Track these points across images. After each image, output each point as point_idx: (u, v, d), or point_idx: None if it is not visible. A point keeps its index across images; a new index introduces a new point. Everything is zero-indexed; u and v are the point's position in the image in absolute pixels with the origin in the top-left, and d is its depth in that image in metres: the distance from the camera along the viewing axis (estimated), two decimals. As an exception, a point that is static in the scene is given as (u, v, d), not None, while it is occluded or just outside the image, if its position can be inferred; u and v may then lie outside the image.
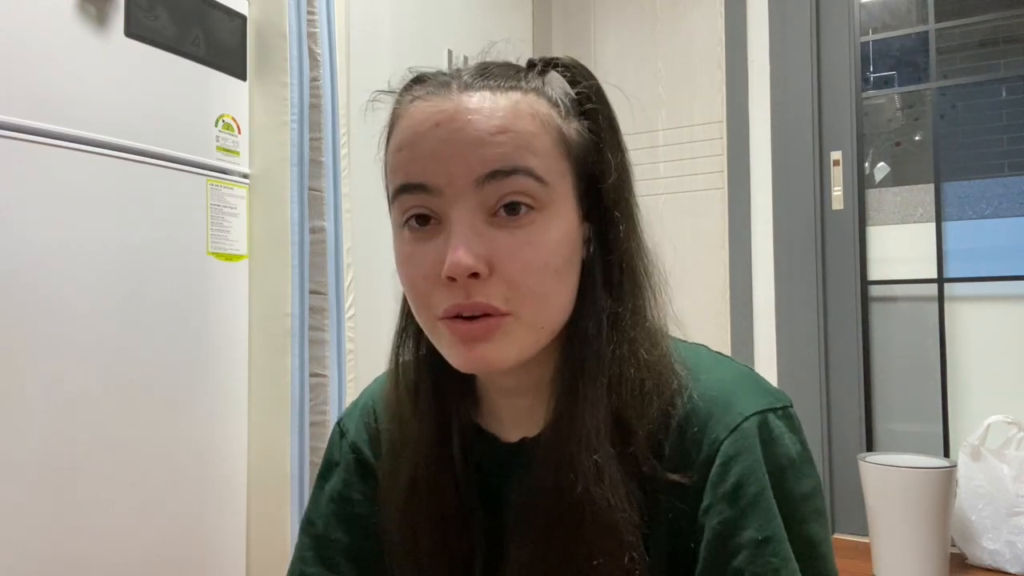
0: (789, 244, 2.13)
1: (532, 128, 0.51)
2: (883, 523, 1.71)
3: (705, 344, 0.60)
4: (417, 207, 0.51)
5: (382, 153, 0.57)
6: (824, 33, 2.17)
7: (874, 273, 2.13)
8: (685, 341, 0.59)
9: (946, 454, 1.98)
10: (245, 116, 1.45)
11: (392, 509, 0.60)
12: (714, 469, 0.51)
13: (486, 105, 0.51)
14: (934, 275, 2.04)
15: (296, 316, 1.41)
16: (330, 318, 1.48)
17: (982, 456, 1.77)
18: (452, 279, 0.49)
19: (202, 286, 1.34)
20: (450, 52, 1.95)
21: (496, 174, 0.49)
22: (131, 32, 1.22)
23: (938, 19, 2.08)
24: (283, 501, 1.39)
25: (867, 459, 1.76)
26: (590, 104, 0.56)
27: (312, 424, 1.44)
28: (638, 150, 2.34)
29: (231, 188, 1.41)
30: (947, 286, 2.03)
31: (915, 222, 2.09)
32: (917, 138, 2.12)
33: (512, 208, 0.50)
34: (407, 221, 0.52)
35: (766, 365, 2.12)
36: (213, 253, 1.37)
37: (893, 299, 2.11)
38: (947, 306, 2.03)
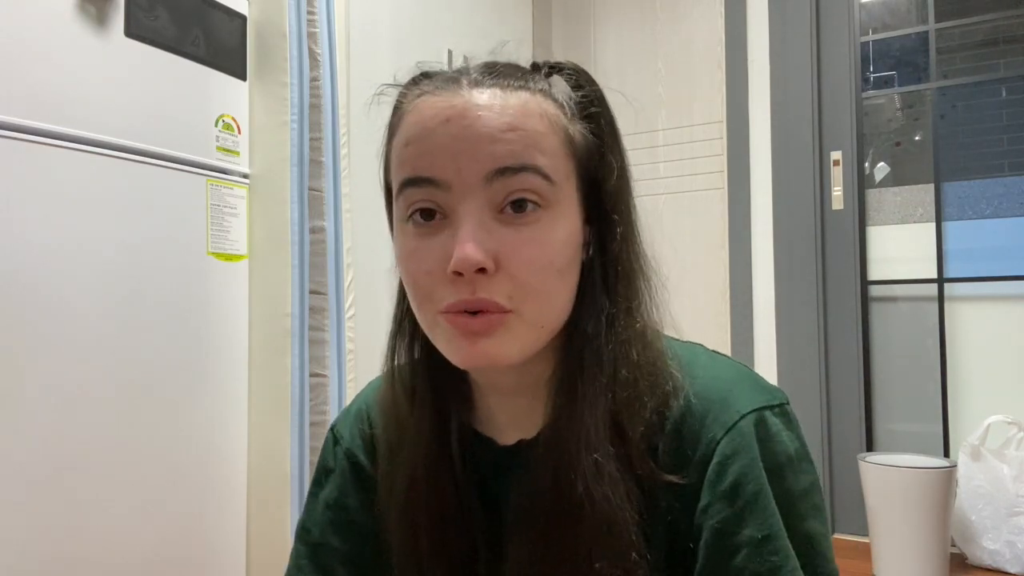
0: (789, 244, 2.13)
1: (541, 128, 0.51)
2: (883, 523, 1.71)
3: (702, 343, 0.60)
4: (424, 201, 0.51)
5: (382, 148, 0.57)
6: (824, 33, 2.17)
7: (874, 273, 2.13)
8: (680, 340, 0.59)
9: (946, 454, 1.98)
10: (245, 116, 1.45)
11: (391, 511, 0.60)
12: (711, 468, 0.51)
13: (496, 102, 0.51)
14: (934, 275, 2.04)
15: (296, 316, 1.41)
16: (330, 318, 1.48)
17: (982, 456, 1.77)
18: (459, 274, 0.49)
19: (202, 286, 1.34)
20: (450, 52, 1.95)
21: (505, 171, 0.49)
22: (131, 32, 1.22)
23: (938, 19, 2.08)
24: (283, 501, 1.39)
25: (867, 459, 1.76)
26: (593, 108, 0.56)
27: (312, 424, 1.44)
28: (638, 150, 2.34)
29: (231, 188, 1.41)
30: (947, 286, 2.03)
31: (915, 222, 2.09)
32: (917, 138, 2.12)
33: (519, 205, 0.50)
34: (412, 215, 0.52)
35: (766, 365, 2.12)
36: (213, 253, 1.37)
37: (893, 299, 2.11)
38: (947, 306, 2.03)
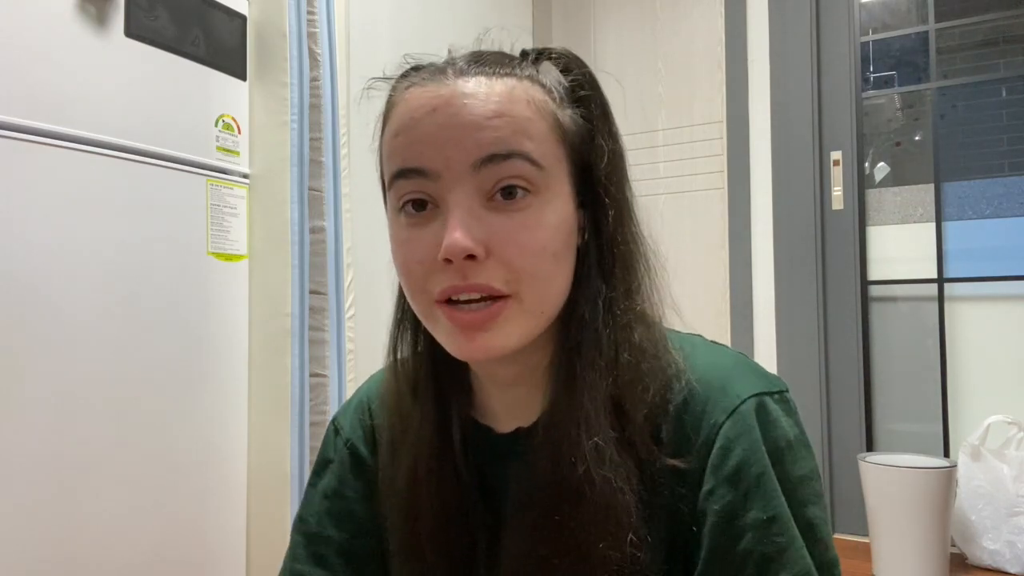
0: (789, 244, 2.13)
1: (528, 113, 0.51)
2: (883, 523, 1.71)
3: (700, 334, 0.60)
4: (414, 192, 0.51)
5: (376, 142, 0.57)
6: (824, 33, 2.17)
7: (874, 273, 2.13)
8: (679, 331, 0.59)
9: (946, 454, 1.98)
10: (245, 116, 1.45)
11: (393, 504, 0.60)
12: (714, 452, 0.51)
13: (482, 90, 0.51)
14: (934, 275, 2.04)
15: (296, 316, 1.41)
16: (330, 318, 1.48)
17: (982, 456, 1.76)
18: (449, 261, 0.49)
19: (202, 286, 1.34)
20: (450, 52, 1.95)
21: (493, 158, 0.50)
22: (131, 32, 1.22)
23: (938, 19, 2.08)
24: (283, 501, 1.39)
25: (867, 459, 1.76)
26: (583, 92, 0.56)
27: (312, 424, 1.44)
28: (638, 150, 2.34)
29: (231, 188, 1.41)
30: (947, 286, 2.03)
31: (915, 222, 2.09)
32: (917, 138, 2.12)
33: (509, 192, 0.50)
34: (403, 206, 0.52)
35: (766, 365, 2.09)
36: (213, 253, 1.37)
37: (893, 299, 2.11)
38: (947, 306, 2.02)
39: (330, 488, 0.66)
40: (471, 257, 0.49)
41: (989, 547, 1.73)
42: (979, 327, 2.00)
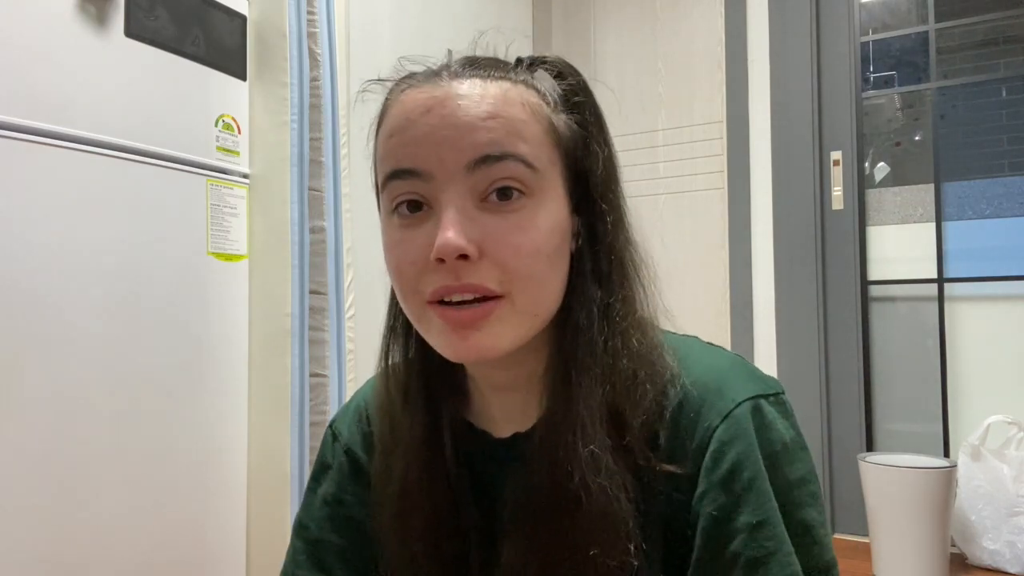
0: (789, 244, 2.13)
1: (522, 116, 0.51)
2: (883, 523, 1.72)
3: (697, 335, 0.60)
4: (408, 193, 0.51)
5: (371, 144, 0.57)
6: (824, 33, 2.17)
7: (874, 273, 2.13)
8: (676, 333, 0.59)
9: (946, 454, 1.98)
10: (245, 116, 1.45)
11: (385, 509, 0.60)
12: (708, 455, 0.51)
13: (476, 91, 0.51)
14: (934, 275, 2.04)
15: (296, 316, 1.41)
16: (330, 318, 1.48)
17: (982, 456, 1.77)
18: (441, 261, 0.49)
19: (202, 286, 1.34)
20: (450, 52, 1.94)
21: (487, 159, 0.50)
22: (131, 32, 1.22)
23: (938, 19, 2.08)
24: (283, 501, 1.39)
25: (867, 459, 1.76)
26: (577, 98, 0.56)
27: (312, 424, 1.44)
28: (638, 150, 2.34)
29: (231, 188, 1.41)
30: (947, 286, 2.03)
31: (915, 222, 2.09)
32: (917, 138, 2.12)
33: (503, 193, 0.50)
34: (397, 208, 0.52)
35: (766, 365, 2.12)
36: (213, 253, 1.37)
37: (893, 299, 2.11)
38: (947, 306, 2.03)
39: (330, 494, 0.66)
40: (464, 257, 0.49)
41: (989, 547, 1.73)
42: (979, 327, 2.00)
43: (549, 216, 0.52)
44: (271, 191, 1.44)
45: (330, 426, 0.70)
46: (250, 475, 1.43)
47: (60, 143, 1.11)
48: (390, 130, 0.53)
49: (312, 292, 1.46)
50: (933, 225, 2.05)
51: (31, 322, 1.07)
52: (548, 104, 0.54)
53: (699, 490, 0.51)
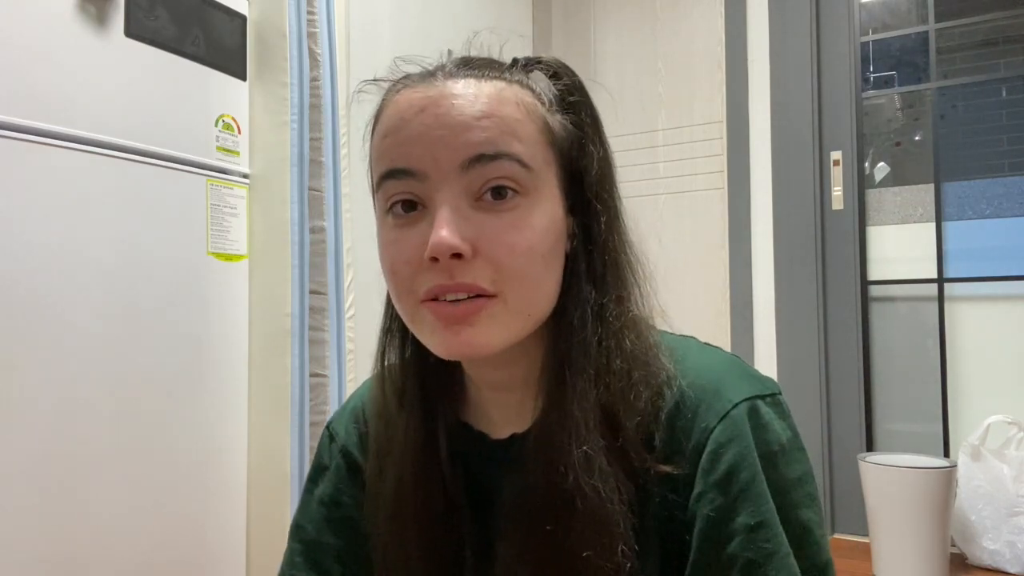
0: (789, 244, 2.13)
1: (517, 115, 0.51)
2: (883, 523, 1.72)
3: (695, 336, 0.60)
4: (402, 193, 0.51)
5: (367, 145, 0.57)
6: (824, 33, 2.17)
7: (874, 273, 2.13)
8: (673, 333, 0.59)
9: (946, 454, 1.98)
10: (245, 116, 1.45)
11: (380, 511, 0.60)
12: (704, 457, 0.51)
13: (470, 91, 0.51)
14: (934, 275, 2.04)
15: (296, 316, 1.41)
16: (330, 318, 1.48)
17: (982, 456, 1.77)
18: (435, 259, 0.49)
19: (202, 286, 1.34)
20: (450, 52, 1.94)
21: (481, 158, 0.50)
22: (131, 32, 1.22)
23: (938, 19, 2.08)
24: (283, 501, 1.39)
25: (867, 459, 1.76)
26: (572, 98, 0.56)
27: (312, 424, 1.44)
28: (638, 150, 2.34)
29: (231, 188, 1.41)
30: (947, 286, 2.03)
31: (915, 222, 2.09)
32: (917, 138, 2.12)
33: (498, 192, 0.50)
34: (392, 208, 0.52)
35: (766, 365, 2.12)
36: (213, 253, 1.37)
37: (893, 299, 2.11)
38: (947, 306, 2.03)
39: (327, 495, 0.66)
40: (458, 256, 0.49)
41: (989, 547, 1.73)
42: (979, 327, 2.00)
43: (544, 215, 0.52)
44: (271, 191, 1.44)
45: (327, 427, 0.70)
46: (250, 475, 1.43)
47: (60, 143, 1.11)
48: (385, 130, 0.53)
49: (312, 292, 1.46)
50: (933, 225, 2.05)
51: (31, 322, 1.07)
52: (543, 104, 0.54)
53: (696, 491, 0.51)
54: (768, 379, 0.56)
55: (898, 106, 2.15)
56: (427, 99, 0.51)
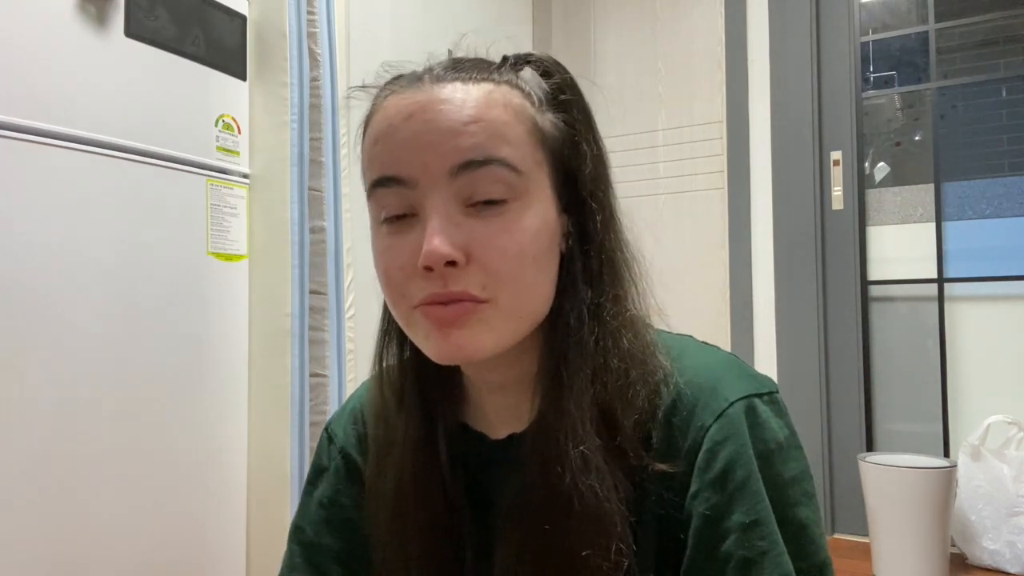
0: (789, 244, 2.13)
1: (505, 117, 0.51)
2: (883, 523, 1.72)
3: (692, 335, 0.60)
4: (393, 206, 0.52)
5: (359, 150, 0.57)
6: (824, 33, 2.17)
7: (874, 273, 2.13)
8: (670, 332, 0.59)
9: (946, 454, 1.98)
10: (245, 116, 1.45)
11: (379, 512, 0.60)
12: (701, 455, 0.51)
13: (458, 95, 0.51)
14: (934, 275, 2.04)
15: (296, 316, 1.41)
16: (330, 318, 1.48)
17: (982, 456, 1.77)
18: (429, 268, 0.49)
19: (202, 286, 1.34)
20: (450, 52, 1.94)
21: (470, 164, 0.49)
22: (131, 32, 1.22)
23: (938, 19, 2.09)
24: (283, 501, 1.39)
25: (867, 459, 1.76)
26: (564, 96, 0.56)
27: (312, 424, 1.44)
28: (638, 150, 2.34)
29: (231, 188, 1.41)
30: (947, 286, 2.03)
31: (915, 222, 2.09)
32: (917, 138, 2.12)
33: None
34: (384, 216, 0.52)
35: (766, 365, 2.12)
36: (213, 253, 1.37)
37: (893, 299, 2.11)
38: (947, 306, 2.03)
39: (326, 497, 0.65)
40: (451, 264, 0.49)
41: (989, 547, 1.73)
42: (979, 327, 2.00)
43: (536, 217, 0.52)
44: (271, 191, 1.44)
45: (326, 429, 0.70)
46: (250, 475, 1.43)
47: (60, 143, 1.11)
48: (374, 137, 0.53)
49: (312, 292, 1.46)
50: (933, 225, 2.05)
51: (31, 322, 1.07)
52: (533, 103, 0.54)
53: (692, 489, 0.51)
54: (765, 377, 0.56)
55: (898, 106, 2.15)
56: (415, 104, 0.51)
